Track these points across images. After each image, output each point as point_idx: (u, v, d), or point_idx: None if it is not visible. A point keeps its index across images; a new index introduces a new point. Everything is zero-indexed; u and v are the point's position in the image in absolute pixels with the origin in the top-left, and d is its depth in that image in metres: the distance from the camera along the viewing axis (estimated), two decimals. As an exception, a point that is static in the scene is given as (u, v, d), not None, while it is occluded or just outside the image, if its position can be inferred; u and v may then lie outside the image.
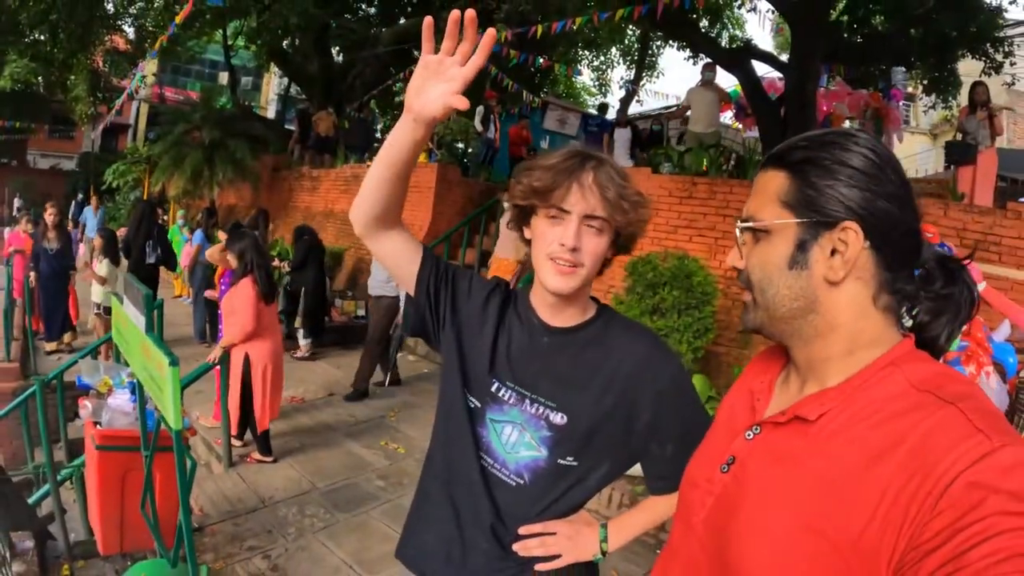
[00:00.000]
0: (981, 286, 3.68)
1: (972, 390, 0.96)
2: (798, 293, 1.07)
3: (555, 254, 1.54)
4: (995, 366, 4.26)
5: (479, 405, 1.71)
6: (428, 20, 1.36)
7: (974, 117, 8.87)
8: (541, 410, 1.64)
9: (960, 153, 8.87)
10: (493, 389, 1.69)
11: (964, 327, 1.16)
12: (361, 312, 11.32)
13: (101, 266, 9.75)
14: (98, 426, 4.05)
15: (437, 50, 1.40)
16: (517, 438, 1.66)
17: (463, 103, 1.36)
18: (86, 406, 4.19)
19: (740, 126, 15.67)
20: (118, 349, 4.69)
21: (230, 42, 24.37)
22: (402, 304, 7.02)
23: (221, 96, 18.74)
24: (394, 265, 1.79)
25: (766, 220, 1.10)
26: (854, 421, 0.98)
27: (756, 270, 1.12)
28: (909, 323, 1.12)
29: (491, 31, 1.37)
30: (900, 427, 0.92)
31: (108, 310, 9.45)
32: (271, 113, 33.79)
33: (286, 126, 24.53)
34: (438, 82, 1.39)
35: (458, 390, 1.74)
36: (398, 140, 1.51)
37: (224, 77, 28.29)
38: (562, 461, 1.64)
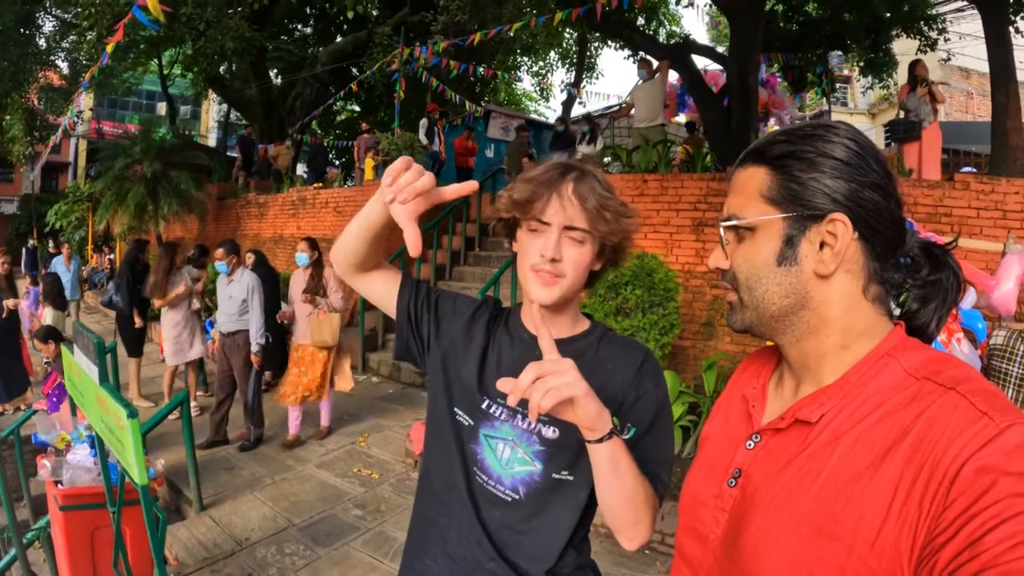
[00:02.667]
0: None
1: (970, 372, 0.95)
2: (788, 290, 1.05)
3: (536, 265, 1.54)
4: (965, 333, 4.37)
5: (472, 423, 1.68)
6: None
7: (915, 94, 9.06)
8: (533, 425, 1.61)
9: (904, 131, 9.07)
10: (484, 407, 1.66)
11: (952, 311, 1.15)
12: (318, 337, 11.12)
13: (46, 314, 9.46)
14: (59, 485, 3.91)
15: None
16: (510, 454, 1.63)
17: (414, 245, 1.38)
18: (45, 465, 4.04)
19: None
20: (73, 401, 4.53)
21: (166, 71, 24.17)
22: (253, 342, 6.90)
23: (160, 127, 18.42)
24: (379, 300, 1.80)
25: (750, 217, 1.08)
26: (856, 419, 0.97)
27: (743, 269, 1.10)
28: (897, 311, 1.12)
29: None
30: (903, 420, 0.91)
31: (59, 358, 9.24)
32: (212, 141, 33.57)
33: (229, 153, 24.27)
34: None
35: (446, 410, 1.72)
36: (372, 215, 1.55)
37: (162, 107, 28.12)
38: (557, 475, 1.61)
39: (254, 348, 6.87)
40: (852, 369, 1.03)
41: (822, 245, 1.02)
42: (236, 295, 6.97)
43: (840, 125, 1.07)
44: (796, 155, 1.04)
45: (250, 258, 8.93)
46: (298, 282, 7.09)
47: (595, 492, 1.60)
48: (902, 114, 9.24)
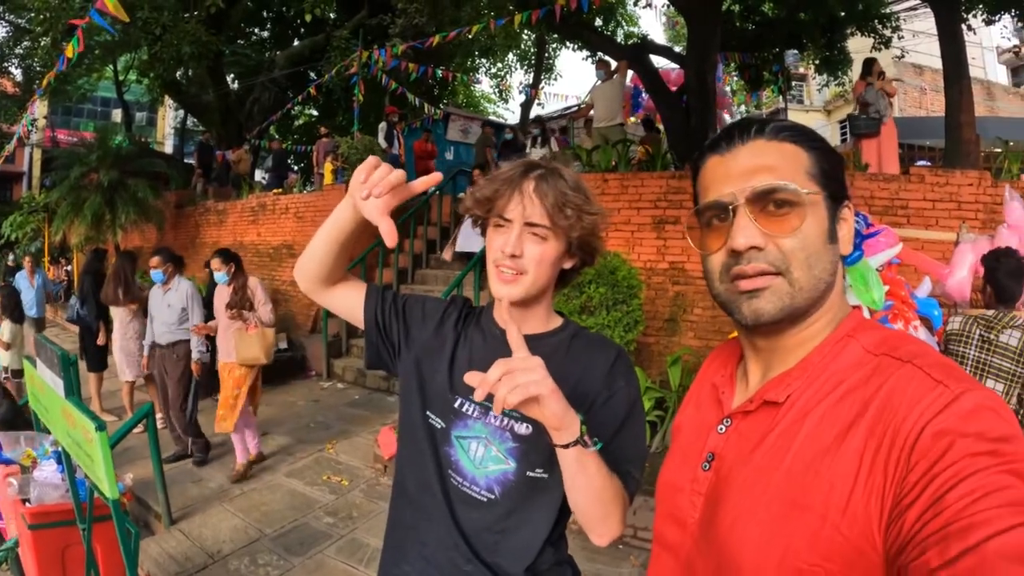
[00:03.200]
0: (898, 248, 3.87)
1: (925, 347, 1.00)
2: (833, 269, 1.08)
3: (498, 261, 1.57)
4: (922, 320, 4.49)
5: (443, 425, 1.69)
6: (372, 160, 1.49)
7: (873, 87, 9.28)
8: (505, 421, 1.62)
9: (866, 126, 9.34)
10: (456, 405, 1.67)
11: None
12: (283, 345, 11.10)
13: (3, 328, 9.25)
14: (27, 503, 3.84)
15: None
16: (484, 452, 1.64)
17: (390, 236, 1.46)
18: (11, 483, 3.96)
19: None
20: (36, 416, 4.44)
21: (121, 77, 23.75)
22: (194, 350, 6.69)
23: (116, 134, 17.93)
24: (346, 312, 1.84)
25: (805, 189, 1.05)
26: (820, 396, 1.01)
27: (804, 245, 1.05)
28: None
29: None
30: (864, 394, 0.96)
31: (17, 373, 9.00)
32: (169, 147, 32.98)
33: (186, 160, 23.92)
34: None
35: (419, 413, 1.73)
36: (342, 218, 1.59)
37: (118, 114, 27.56)
38: (531, 473, 1.62)
39: (195, 356, 6.71)
40: (815, 351, 1.08)
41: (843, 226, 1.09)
42: (175, 303, 6.78)
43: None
44: (819, 142, 1.10)
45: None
46: (222, 296, 6.60)
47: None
48: (858, 109, 9.41)
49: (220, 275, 6.47)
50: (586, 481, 1.40)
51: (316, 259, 1.69)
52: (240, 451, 6.53)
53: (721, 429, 1.17)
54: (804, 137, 1.10)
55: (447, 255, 11.17)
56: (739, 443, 1.11)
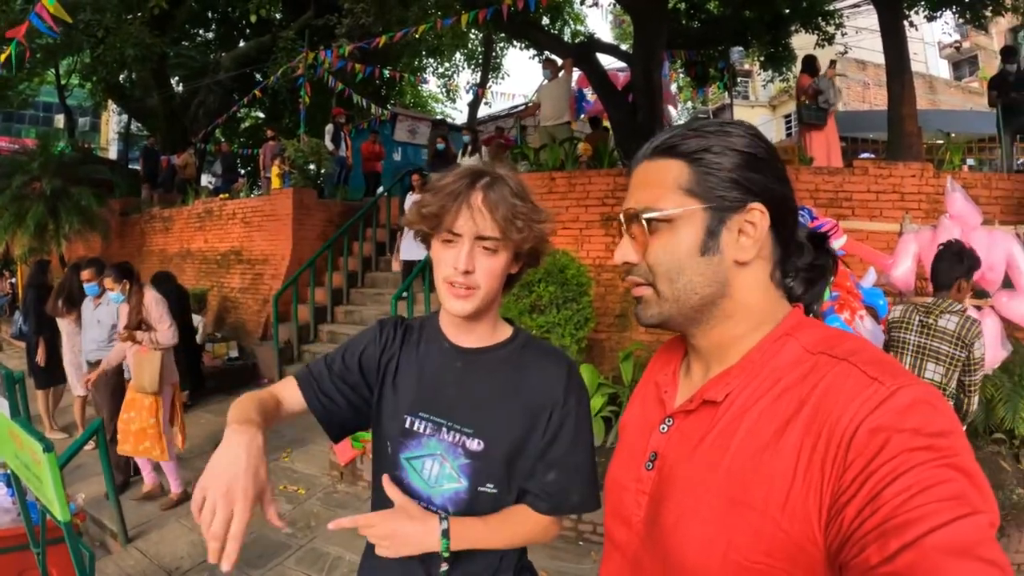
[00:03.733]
0: (843, 240, 3.96)
1: (862, 344, 1.01)
2: (711, 278, 1.08)
3: (450, 277, 1.52)
4: (868, 310, 4.61)
5: (392, 450, 1.66)
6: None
7: (825, 77, 9.53)
8: (458, 437, 1.60)
9: (815, 116, 9.71)
10: (407, 425, 1.63)
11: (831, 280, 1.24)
12: (234, 353, 10.94)
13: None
14: (-21, 529, 3.70)
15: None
16: (439, 470, 1.61)
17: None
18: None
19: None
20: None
21: (63, 81, 23.25)
22: (126, 369, 6.11)
23: (59, 140, 17.47)
24: (294, 415, 1.72)
25: (669, 209, 1.09)
26: (758, 395, 1.02)
27: (663, 261, 1.10)
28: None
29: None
30: (801, 391, 0.96)
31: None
32: (113, 153, 32.45)
33: (131, 165, 23.48)
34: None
35: (379, 443, 1.71)
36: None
37: (60, 120, 27.01)
38: (482, 488, 1.61)
39: (127, 375, 6.24)
40: (754, 349, 1.08)
41: (739, 233, 1.07)
42: (104, 319, 6.44)
43: (740, 122, 1.13)
44: (711, 149, 1.08)
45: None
46: (124, 313, 5.97)
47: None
48: (809, 99, 9.60)
49: (115, 295, 5.94)
50: (495, 541, 1.61)
51: None
52: (148, 475, 6.12)
53: (663, 428, 1.17)
54: (691, 152, 1.10)
55: (395, 266, 11.09)
56: (681, 442, 1.12)
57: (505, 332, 1.72)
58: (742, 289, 1.09)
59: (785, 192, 1.10)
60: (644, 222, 1.11)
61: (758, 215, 1.06)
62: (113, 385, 6.31)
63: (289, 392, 1.70)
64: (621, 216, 1.16)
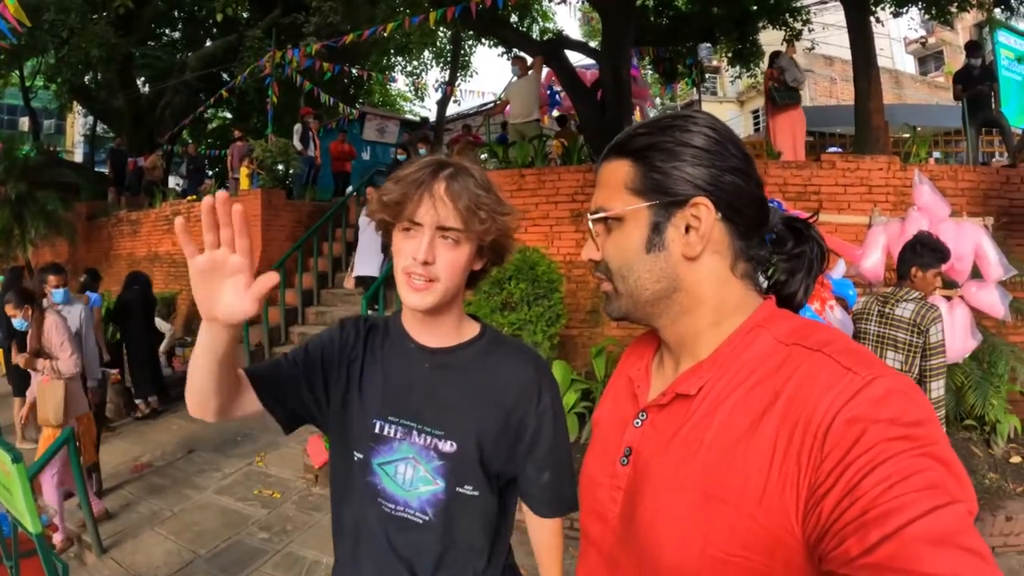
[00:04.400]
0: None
1: (835, 334, 1.00)
2: (659, 275, 1.09)
3: (409, 268, 1.49)
4: (837, 300, 4.70)
5: (363, 456, 1.61)
6: (179, 223, 1.19)
7: (784, 55, 9.77)
8: (429, 440, 1.57)
9: (788, 96, 9.96)
10: (376, 430, 1.60)
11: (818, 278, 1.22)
12: (203, 358, 10.76)
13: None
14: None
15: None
16: (413, 474, 1.58)
17: (255, 304, 1.23)
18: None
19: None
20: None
21: (28, 83, 22.97)
22: (90, 378, 6.12)
23: (23, 144, 17.22)
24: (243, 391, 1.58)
25: (617, 209, 1.11)
26: (732, 387, 1.01)
27: (614, 259, 1.13)
28: (766, 284, 1.18)
29: (238, 209, 1.23)
30: (775, 383, 0.96)
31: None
32: (79, 156, 32.00)
33: (97, 168, 23.21)
34: (224, 280, 1.23)
35: (341, 450, 1.66)
36: (214, 345, 1.32)
37: (25, 123, 26.63)
38: (461, 490, 1.58)
39: (91, 383, 6.27)
40: (725, 342, 1.07)
41: (688, 229, 1.06)
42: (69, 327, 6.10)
43: (698, 114, 1.12)
44: (657, 146, 1.08)
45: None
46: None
47: (505, 504, 1.71)
48: (774, 80, 9.78)
49: (17, 321, 5.60)
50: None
51: (202, 396, 1.42)
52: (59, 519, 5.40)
53: (637, 423, 1.16)
54: (637, 150, 1.11)
55: (348, 283, 10.89)
56: (655, 437, 1.11)
57: (472, 330, 1.69)
58: (696, 284, 1.09)
59: (740, 183, 1.08)
60: (599, 221, 1.14)
61: (703, 210, 1.05)
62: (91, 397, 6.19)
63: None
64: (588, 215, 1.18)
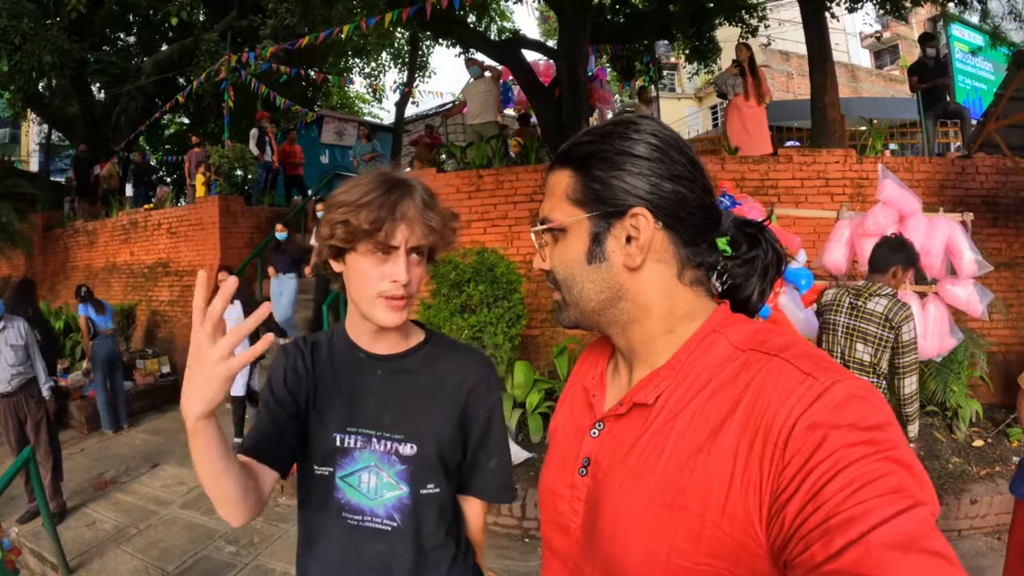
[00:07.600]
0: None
1: (793, 339, 1.00)
2: (602, 285, 1.09)
3: (388, 291, 1.50)
4: (786, 285, 4.81)
5: (328, 471, 1.62)
6: (202, 276, 1.26)
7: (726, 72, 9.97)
8: (389, 445, 1.60)
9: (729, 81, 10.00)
10: (337, 443, 1.61)
11: (776, 282, 1.22)
12: (166, 368, 10.68)
13: None
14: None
15: None
16: (376, 481, 1.60)
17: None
18: None
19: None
20: None
21: (-20, 92, 22.60)
22: (43, 387, 6.13)
23: None
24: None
25: (558, 220, 1.12)
26: (690, 395, 1.01)
27: (560, 269, 1.14)
28: (720, 289, 1.17)
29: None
30: (734, 391, 0.95)
31: None
32: (34, 165, 31.49)
33: (52, 178, 22.81)
34: (212, 357, 1.22)
35: (306, 468, 1.66)
36: (208, 446, 1.27)
37: (-21, 133, 26.17)
38: (424, 491, 1.62)
39: (46, 394, 6.22)
40: (681, 349, 1.06)
41: (629, 239, 1.06)
42: (15, 341, 6.12)
43: (642, 120, 1.10)
44: (596, 155, 1.08)
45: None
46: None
47: (455, 496, 1.75)
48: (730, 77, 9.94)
49: None
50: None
51: (236, 496, 1.36)
52: None
53: (594, 433, 1.16)
54: (578, 159, 1.11)
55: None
56: (613, 447, 1.11)
57: (418, 335, 1.73)
58: (640, 293, 1.08)
59: (682, 191, 1.06)
60: (545, 232, 1.15)
61: (642, 220, 1.04)
62: (45, 407, 6.25)
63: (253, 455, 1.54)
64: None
